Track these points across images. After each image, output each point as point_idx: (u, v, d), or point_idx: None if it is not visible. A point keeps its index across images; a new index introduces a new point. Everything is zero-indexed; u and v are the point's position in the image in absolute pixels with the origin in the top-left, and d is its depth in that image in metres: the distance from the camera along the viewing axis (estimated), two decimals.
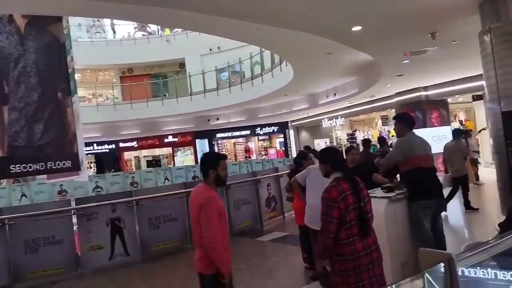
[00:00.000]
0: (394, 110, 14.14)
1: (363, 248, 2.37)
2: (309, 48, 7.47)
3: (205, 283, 2.56)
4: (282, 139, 24.60)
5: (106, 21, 22.47)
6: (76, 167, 7.37)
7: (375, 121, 19.42)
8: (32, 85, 6.11)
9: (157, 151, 24.77)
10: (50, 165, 6.50)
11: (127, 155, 24.21)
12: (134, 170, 22.83)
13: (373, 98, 14.89)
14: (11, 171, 5.96)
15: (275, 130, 22.71)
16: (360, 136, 17.97)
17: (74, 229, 5.57)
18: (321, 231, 2.43)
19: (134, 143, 23.30)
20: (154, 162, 23.21)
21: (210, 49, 20.30)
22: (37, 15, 6.19)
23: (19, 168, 5.90)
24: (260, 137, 25.82)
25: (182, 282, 4.85)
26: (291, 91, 14.45)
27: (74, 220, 5.55)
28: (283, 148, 23.90)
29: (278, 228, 7.38)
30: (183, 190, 6.49)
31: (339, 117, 17.61)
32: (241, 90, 15.91)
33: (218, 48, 20.13)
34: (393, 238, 3.53)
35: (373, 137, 16.61)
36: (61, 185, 16.03)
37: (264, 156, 24.15)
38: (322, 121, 18.59)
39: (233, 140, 25.33)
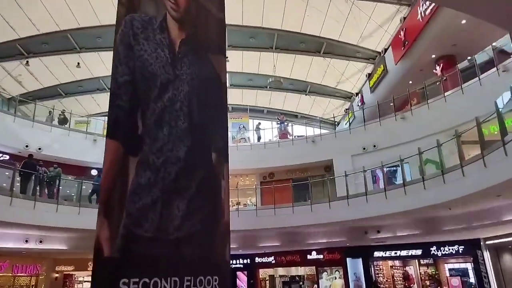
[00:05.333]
0: None
1: None
2: None
3: None
4: (457, 265, 18.07)
5: (250, 129, 22.60)
6: None
7: None
8: (179, 132, 3.56)
9: (293, 270, 20.75)
10: (188, 283, 3.45)
11: (262, 272, 20.77)
12: None
13: None
14: None
15: (460, 251, 16.55)
16: None
17: None
18: None
19: (271, 259, 19.89)
20: (293, 285, 19.03)
21: (364, 148, 17.38)
22: (197, 35, 4.08)
23: (135, 283, 2.98)
24: (422, 261, 19.75)
25: None
26: None
27: None
28: (463, 278, 17.25)
29: None
30: None
31: None
32: (424, 190, 11.63)
33: (374, 146, 17.07)
34: None
35: None
36: None
37: None
38: None
39: (390, 262, 19.77)
